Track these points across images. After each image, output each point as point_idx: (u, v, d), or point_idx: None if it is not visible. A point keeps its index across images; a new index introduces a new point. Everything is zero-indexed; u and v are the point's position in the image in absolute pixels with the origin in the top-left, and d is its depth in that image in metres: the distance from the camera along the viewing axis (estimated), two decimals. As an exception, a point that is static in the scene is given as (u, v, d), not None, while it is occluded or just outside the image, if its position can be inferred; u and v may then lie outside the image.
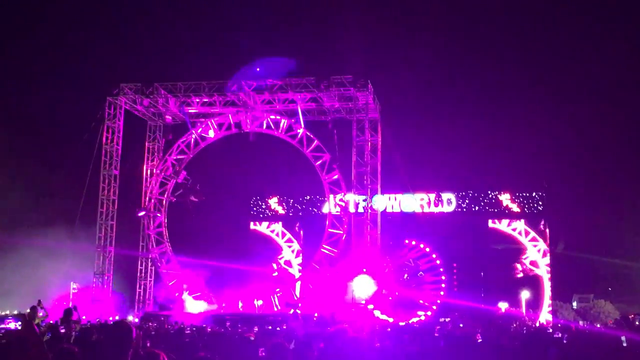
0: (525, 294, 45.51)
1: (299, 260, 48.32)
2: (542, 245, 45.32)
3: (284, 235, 49.32)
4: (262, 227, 49.26)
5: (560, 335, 16.87)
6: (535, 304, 45.56)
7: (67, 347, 6.63)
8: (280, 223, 49.15)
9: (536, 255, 45.14)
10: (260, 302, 40.63)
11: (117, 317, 37.37)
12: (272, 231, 49.12)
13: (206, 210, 43.17)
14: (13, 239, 34.55)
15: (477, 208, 46.27)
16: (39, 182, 40.25)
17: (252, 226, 48.85)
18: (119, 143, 38.87)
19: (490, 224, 45.91)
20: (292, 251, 48.84)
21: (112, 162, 38.57)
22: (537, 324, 39.56)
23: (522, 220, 45.27)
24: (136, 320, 34.31)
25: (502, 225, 45.52)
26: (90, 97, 42.82)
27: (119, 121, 38.82)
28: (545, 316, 43.53)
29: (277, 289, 40.64)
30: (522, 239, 45.58)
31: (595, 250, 49.05)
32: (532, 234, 45.16)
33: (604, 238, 50.31)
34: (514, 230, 45.49)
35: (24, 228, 36.20)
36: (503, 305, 46.05)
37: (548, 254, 45.01)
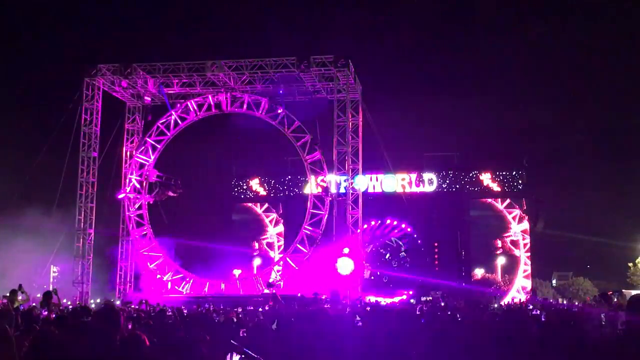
0: (500, 260, 46.13)
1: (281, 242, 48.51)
2: (526, 225, 45.78)
3: (272, 219, 49.52)
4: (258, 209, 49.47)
5: (538, 312, 17.10)
6: (510, 270, 46.19)
7: (46, 329, 6.62)
8: (265, 204, 49.30)
9: (518, 235, 45.59)
10: (239, 272, 40.70)
11: (98, 300, 37.28)
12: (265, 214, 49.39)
13: (188, 192, 43.05)
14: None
15: (457, 187, 46.55)
16: (17, 165, 39.91)
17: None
18: (97, 125, 38.46)
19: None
20: (278, 239, 49.03)
21: (91, 144, 38.20)
22: (513, 300, 40.02)
23: (519, 210, 45.68)
24: (117, 302, 34.21)
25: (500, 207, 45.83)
26: (67, 79, 42.42)
27: (97, 102, 38.40)
28: (513, 294, 44.05)
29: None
30: (509, 217, 45.99)
31: (574, 228, 49.65)
32: (525, 224, 45.48)
33: (583, 216, 50.92)
34: (509, 212, 45.85)
35: (4, 210, 35.93)
36: (479, 272, 46.69)
37: (528, 236, 45.46)
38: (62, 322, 9.89)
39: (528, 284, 45.08)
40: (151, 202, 39.25)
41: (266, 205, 49.99)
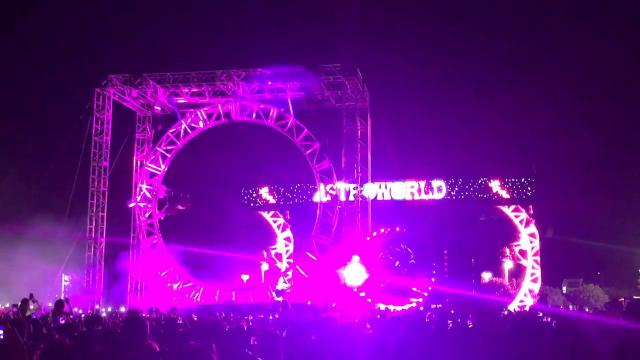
0: (508, 264, 45.89)
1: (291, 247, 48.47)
2: (533, 229, 45.47)
3: (280, 224, 49.49)
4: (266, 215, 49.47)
5: (549, 319, 16.98)
6: (518, 274, 45.95)
7: (57, 338, 6.63)
8: (271, 212, 49.30)
9: (527, 245, 45.26)
10: (247, 277, 40.69)
11: (109, 309, 37.35)
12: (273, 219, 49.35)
13: (197, 201, 43.12)
14: (4, 230, 34.42)
15: (466, 194, 46.38)
16: (28, 175, 40.13)
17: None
18: (108, 134, 38.65)
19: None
20: (286, 244, 48.99)
21: (102, 154, 38.38)
22: (522, 308, 39.77)
23: (523, 211, 45.38)
24: (122, 309, 34.29)
25: (507, 211, 45.54)
26: (78, 89, 42.76)
27: (108, 112, 38.59)
28: (521, 298, 43.78)
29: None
30: (519, 226, 45.69)
31: (584, 234, 49.38)
32: (532, 227, 45.20)
33: (593, 222, 50.64)
34: (516, 217, 45.57)
35: (15, 219, 36.10)
36: (486, 275, 46.50)
37: (538, 246, 45.14)
38: (73, 330, 9.92)
39: (536, 287, 44.80)
40: (162, 218, 39.34)
41: (272, 211, 50.04)
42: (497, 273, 47.25)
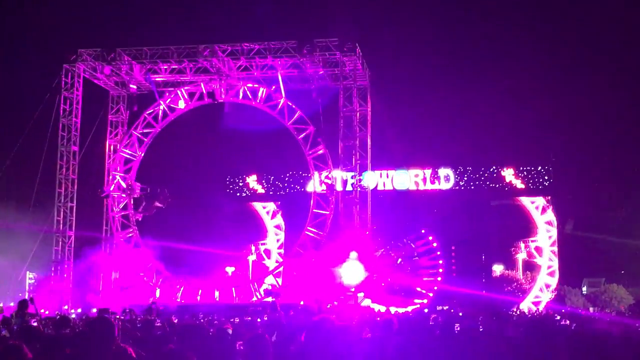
0: (521, 255, 46.03)
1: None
2: (550, 216, 45.57)
3: (269, 211, 49.51)
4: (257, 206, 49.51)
5: (567, 322, 17.10)
6: (532, 266, 46.09)
7: (15, 343, 6.61)
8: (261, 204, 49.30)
9: (544, 238, 45.36)
10: (232, 269, 40.84)
11: (78, 310, 37.36)
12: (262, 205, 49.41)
13: (177, 191, 43.10)
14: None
15: (476, 184, 46.45)
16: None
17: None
18: (77, 116, 38.55)
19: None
20: (276, 233, 49.04)
21: (71, 137, 38.29)
22: (537, 310, 40.00)
23: (542, 198, 45.45)
24: (94, 310, 34.30)
25: (525, 202, 45.66)
26: (44, 65, 42.41)
27: (78, 91, 38.48)
28: (536, 293, 44.08)
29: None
30: (535, 214, 45.74)
31: (606, 229, 49.49)
32: (549, 214, 45.27)
33: (617, 217, 50.76)
34: (532, 203, 45.66)
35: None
36: (498, 268, 46.65)
37: (555, 236, 45.34)
38: (37, 334, 9.92)
39: (553, 282, 44.96)
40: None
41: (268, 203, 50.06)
42: (509, 265, 47.40)
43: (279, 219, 49.54)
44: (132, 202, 39.26)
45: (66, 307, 36.76)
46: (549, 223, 45.40)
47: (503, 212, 46.64)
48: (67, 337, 10.01)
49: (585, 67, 57.74)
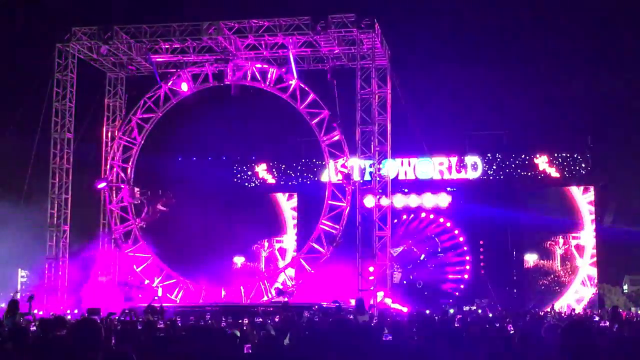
0: (559, 251, 45.34)
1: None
2: (591, 196, 45.16)
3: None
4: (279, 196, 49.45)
5: (607, 324, 17.05)
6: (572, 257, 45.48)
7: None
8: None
9: (590, 240, 44.89)
10: (242, 260, 40.84)
11: (75, 311, 37.61)
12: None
13: (180, 180, 43.23)
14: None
15: (507, 173, 46.25)
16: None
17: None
18: (72, 100, 38.63)
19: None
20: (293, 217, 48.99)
21: (65, 123, 38.40)
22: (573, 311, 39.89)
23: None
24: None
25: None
26: (35, 45, 42.51)
27: (72, 73, 38.54)
28: (577, 287, 43.77)
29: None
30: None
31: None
32: (591, 194, 44.84)
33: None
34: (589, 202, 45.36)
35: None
36: (531, 258, 46.06)
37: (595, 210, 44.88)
38: (24, 337, 10.00)
39: (595, 273, 44.62)
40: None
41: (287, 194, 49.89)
42: (544, 255, 46.62)
43: (295, 202, 49.32)
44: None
45: (61, 307, 37.01)
46: (592, 203, 45.10)
47: (540, 201, 46.20)
48: (57, 340, 10.08)
49: (623, 43, 57.24)
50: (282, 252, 48.31)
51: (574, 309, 41.24)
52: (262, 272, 42.62)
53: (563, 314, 36.90)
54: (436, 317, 22.19)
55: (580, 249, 45.07)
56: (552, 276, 45.59)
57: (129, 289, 37.79)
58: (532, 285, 45.12)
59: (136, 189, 39.14)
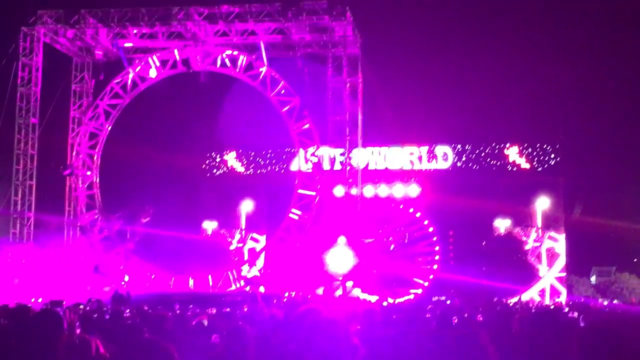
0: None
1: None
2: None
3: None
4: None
5: (576, 315, 17.24)
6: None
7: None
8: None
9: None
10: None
11: (39, 300, 37.28)
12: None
13: (148, 168, 43.00)
14: None
15: (477, 163, 46.53)
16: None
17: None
18: (37, 85, 38.30)
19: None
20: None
21: (30, 109, 38.05)
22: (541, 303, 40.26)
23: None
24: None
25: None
26: (0, 27, 41.98)
27: (37, 57, 38.19)
28: (529, 295, 43.56)
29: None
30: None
31: (618, 214, 49.79)
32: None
33: (631, 200, 51.04)
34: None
35: None
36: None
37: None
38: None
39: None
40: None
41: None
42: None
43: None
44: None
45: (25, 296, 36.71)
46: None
47: (509, 192, 46.36)
48: (11, 328, 9.98)
49: (597, 33, 57.72)
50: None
51: (541, 301, 41.58)
52: (232, 252, 42.33)
53: (531, 305, 37.22)
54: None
55: (552, 239, 44.86)
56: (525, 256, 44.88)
57: (100, 275, 37.60)
58: (501, 269, 45.08)
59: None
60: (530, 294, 43.42)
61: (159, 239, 42.01)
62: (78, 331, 12.29)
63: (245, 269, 39.16)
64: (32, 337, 6.22)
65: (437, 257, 45.60)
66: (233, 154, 49.46)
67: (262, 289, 34.84)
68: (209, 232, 42.36)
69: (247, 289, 34.75)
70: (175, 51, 38.32)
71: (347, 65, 37.21)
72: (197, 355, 9.31)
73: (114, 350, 6.78)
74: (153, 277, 38.65)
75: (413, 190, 45.11)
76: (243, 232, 45.69)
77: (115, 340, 7.83)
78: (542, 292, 43.71)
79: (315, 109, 37.21)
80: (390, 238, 46.76)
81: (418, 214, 46.07)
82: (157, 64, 38.85)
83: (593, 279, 55.17)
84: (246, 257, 44.85)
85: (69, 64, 40.49)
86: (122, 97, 39.23)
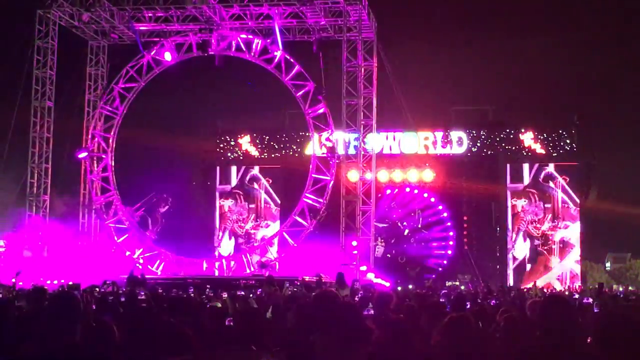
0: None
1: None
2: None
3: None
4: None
5: (590, 301, 17.23)
6: None
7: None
8: (257, 168, 48.82)
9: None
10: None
11: (55, 282, 37.55)
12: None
13: (163, 153, 43.15)
14: None
15: (492, 148, 46.33)
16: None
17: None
18: (53, 68, 38.41)
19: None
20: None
21: (46, 92, 38.18)
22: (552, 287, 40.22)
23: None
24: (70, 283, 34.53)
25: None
26: (15, 10, 42.06)
27: (53, 41, 38.29)
28: (543, 282, 43.22)
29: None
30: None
31: (635, 200, 49.62)
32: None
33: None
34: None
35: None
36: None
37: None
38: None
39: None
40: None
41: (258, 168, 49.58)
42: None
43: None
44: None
45: (42, 278, 36.95)
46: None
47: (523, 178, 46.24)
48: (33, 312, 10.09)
49: (614, 20, 57.34)
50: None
51: (554, 288, 41.52)
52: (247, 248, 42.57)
53: (546, 291, 37.18)
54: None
55: (565, 243, 44.51)
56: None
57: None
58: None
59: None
60: (548, 280, 43.37)
61: (174, 222, 42.25)
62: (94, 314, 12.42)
63: (259, 253, 39.31)
64: (50, 320, 6.26)
65: (451, 243, 45.60)
66: (247, 138, 49.43)
67: (276, 270, 34.96)
68: (226, 209, 42.80)
69: (264, 273, 34.83)
70: (191, 35, 38.30)
71: (362, 50, 37.11)
72: (212, 337, 9.40)
73: (130, 333, 6.85)
74: (165, 260, 38.79)
75: (427, 175, 45.05)
76: (256, 217, 45.89)
77: (130, 322, 7.93)
78: (559, 277, 43.68)
79: (330, 94, 37.16)
80: (405, 223, 46.80)
81: (432, 199, 46.04)
82: (173, 47, 38.85)
83: (608, 265, 55.11)
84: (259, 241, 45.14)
85: (85, 48, 40.55)
86: (137, 81, 39.28)
